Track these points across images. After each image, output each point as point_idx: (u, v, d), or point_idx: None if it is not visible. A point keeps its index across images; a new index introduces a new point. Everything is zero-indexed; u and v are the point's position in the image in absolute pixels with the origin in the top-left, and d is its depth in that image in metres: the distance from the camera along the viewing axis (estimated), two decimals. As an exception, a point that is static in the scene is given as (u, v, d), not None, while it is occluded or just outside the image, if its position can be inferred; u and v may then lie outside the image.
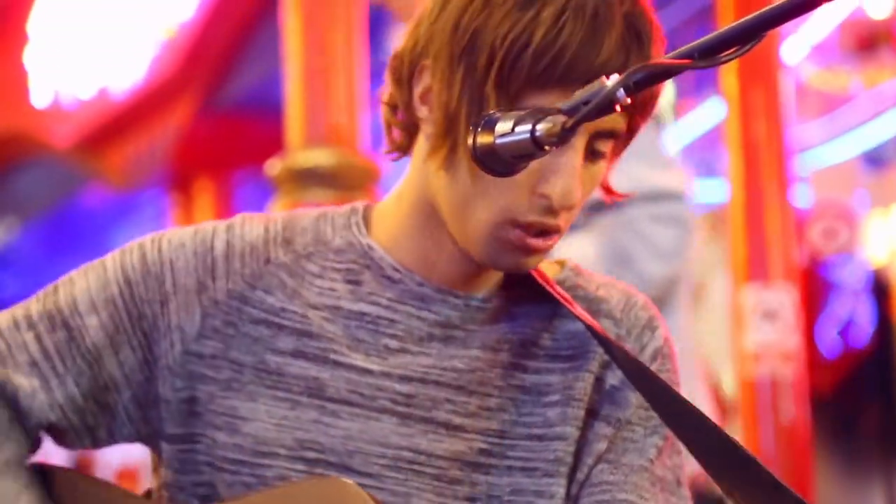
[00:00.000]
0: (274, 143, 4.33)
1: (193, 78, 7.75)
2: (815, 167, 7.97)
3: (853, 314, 8.04)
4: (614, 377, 1.49)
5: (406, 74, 1.44)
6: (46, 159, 9.49)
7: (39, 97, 9.34)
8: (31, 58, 9.45)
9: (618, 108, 1.20)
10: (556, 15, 1.34)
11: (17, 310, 1.50)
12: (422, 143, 1.45)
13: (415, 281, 1.45)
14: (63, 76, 9.08)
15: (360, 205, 1.52)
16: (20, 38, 9.47)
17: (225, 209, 8.46)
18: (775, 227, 5.22)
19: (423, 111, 1.43)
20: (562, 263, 1.55)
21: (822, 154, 8.10)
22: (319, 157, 3.61)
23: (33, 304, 1.50)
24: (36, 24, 9.37)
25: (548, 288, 1.48)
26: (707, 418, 1.36)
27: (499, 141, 1.28)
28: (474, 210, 1.39)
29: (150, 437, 1.50)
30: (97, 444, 1.49)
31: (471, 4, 1.38)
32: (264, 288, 1.46)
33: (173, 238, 1.49)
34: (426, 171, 1.43)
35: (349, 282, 1.46)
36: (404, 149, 1.48)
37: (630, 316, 1.52)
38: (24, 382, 1.45)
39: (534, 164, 1.34)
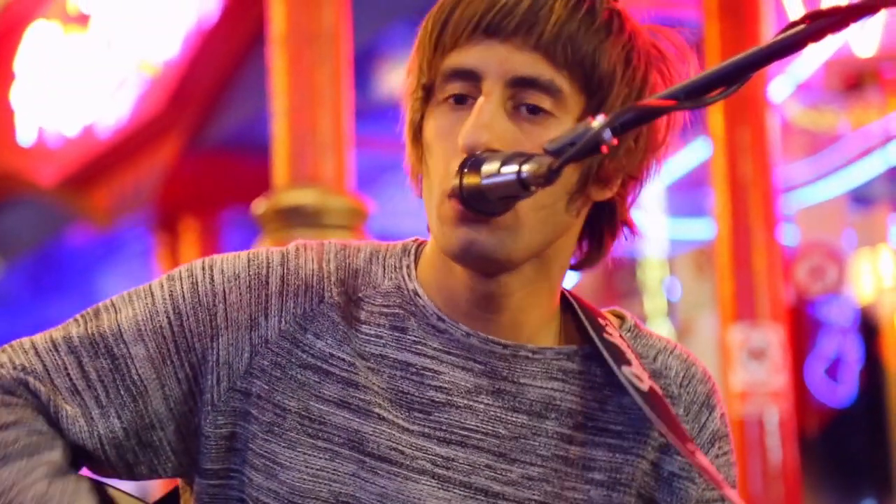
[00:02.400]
0: (260, 182, 4.33)
1: (179, 117, 7.75)
2: (801, 206, 7.99)
3: (841, 353, 8.05)
4: (672, 464, 1.45)
5: (416, 134, 1.43)
6: (31, 198, 9.48)
7: (25, 135, 9.34)
8: (17, 96, 9.45)
9: (604, 149, 1.19)
10: None
11: (55, 332, 1.43)
12: None
13: (461, 330, 1.40)
14: (48, 114, 9.08)
15: (412, 245, 1.47)
16: (6, 77, 9.48)
17: (211, 248, 8.44)
18: (762, 266, 5.22)
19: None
20: (622, 318, 1.50)
21: (808, 193, 8.13)
22: (305, 197, 3.60)
23: (73, 327, 1.43)
24: (22, 62, 9.38)
25: (615, 367, 1.41)
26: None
27: (485, 182, 1.27)
28: (430, 201, 1.38)
29: (188, 469, 1.45)
30: (134, 477, 1.44)
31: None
32: (315, 331, 1.41)
33: (226, 268, 1.43)
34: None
35: (395, 328, 1.42)
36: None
37: (689, 391, 1.47)
38: (65, 406, 1.40)
39: (456, 128, 1.34)
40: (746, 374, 5.16)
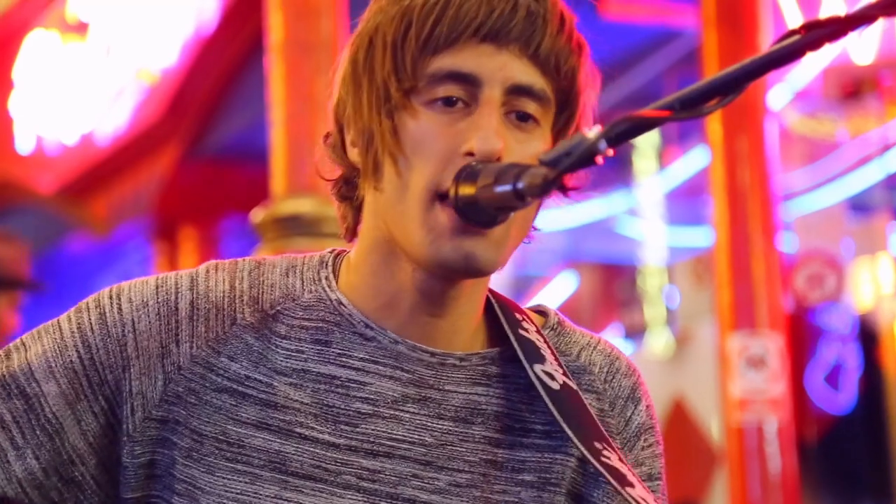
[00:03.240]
0: (258, 190, 4.33)
1: (177, 125, 7.75)
2: (800, 214, 7.99)
3: (840, 361, 8.04)
4: None
5: (338, 140, 1.42)
6: (30, 206, 9.47)
7: (24, 144, 9.34)
8: (16, 104, 9.46)
9: (599, 159, 1.19)
10: (429, 10, 1.35)
11: None
12: (361, 186, 1.42)
13: (389, 338, 1.39)
14: (47, 123, 9.09)
15: (329, 256, 1.46)
16: (5, 85, 9.48)
17: (209, 256, 8.41)
18: (761, 274, 5.22)
19: (354, 154, 1.41)
20: (545, 316, 1.50)
21: (807, 201, 8.13)
22: (303, 206, 3.60)
23: None
24: (20, 70, 9.38)
25: (529, 368, 1.41)
26: None
27: (481, 192, 1.27)
28: (406, 201, 1.34)
29: (115, 502, 1.43)
30: None
31: (364, 26, 1.40)
32: (229, 354, 1.39)
33: (134, 296, 1.41)
34: (370, 207, 1.40)
35: (317, 342, 1.40)
36: (355, 223, 1.44)
37: (613, 386, 1.47)
38: None
39: (450, 129, 1.33)
40: (745, 382, 5.16)
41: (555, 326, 1.49)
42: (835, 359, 8.02)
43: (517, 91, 1.34)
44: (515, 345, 1.42)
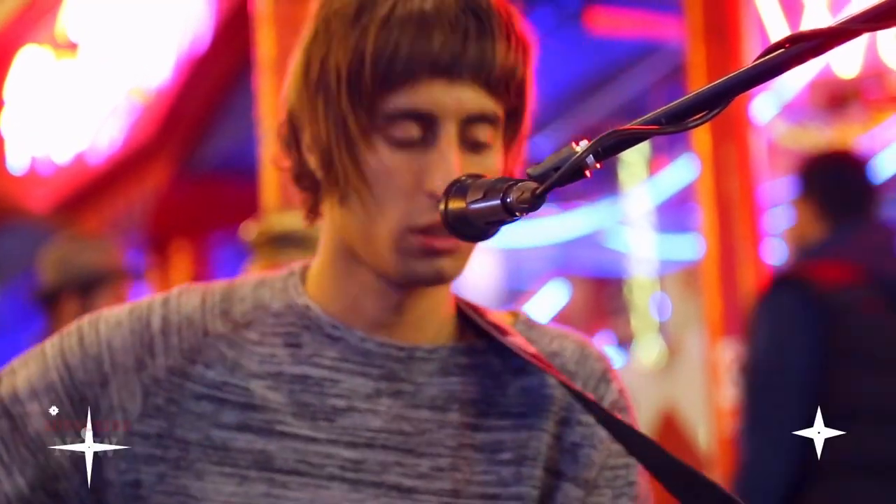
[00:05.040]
0: (250, 205, 4.34)
1: (169, 142, 7.76)
2: (787, 223, 8.00)
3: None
4: (573, 434, 1.48)
5: (291, 136, 1.46)
6: (23, 224, 9.46)
7: (16, 162, 9.33)
8: (8, 123, 9.44)
9: (587, 173, 1.21)
10: (384, 16, 1.38)
11: None
12: (322, 195, 1.46)
13: (356, 336, 1.44)
14: (40, 141, 9.08)
15: (297, 266, 1.51)
16: (-4, 104, 9.48)
17: (202, 272, 8.45)
18: (749, 283, 5.24)
19: (311, 160, 1.45)
20: (515, 315, 1.55)
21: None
22: (295, 221, 3.61)
23: None
24: (12, 89, 9.37)
25: (502, 340, 1.47)
26: (676, 456, 1.37)
27: (471, 206, 1.29)
28: (375, 229, 1.40)
29: None
30: None
31: (314, 39, 1.43)
32: (204, 362, 1.44)
33: (110, 318, 1.47)
34: (332, 215, 1.45)
35: (289, 345, 1.45)
36: (317, 210, 1.48)
37: (585, 368, 1.51)
38: None
39: (412, 166, 1.37)
40: (735, 391, 5.18)
41: (525, 321, 1.55)
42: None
43: (472, 120, 1.40)
44: (493, 332, 1.47)
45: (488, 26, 1.39)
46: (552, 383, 1.48)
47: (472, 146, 1.41)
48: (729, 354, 5.20)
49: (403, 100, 1.37)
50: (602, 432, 1.47)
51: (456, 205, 1.30)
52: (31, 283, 4.25)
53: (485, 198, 1.28)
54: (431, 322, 1.48)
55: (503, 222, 1.29)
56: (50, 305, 4.11)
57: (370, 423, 1.43)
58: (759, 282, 5.27)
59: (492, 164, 1.42)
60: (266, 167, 3.75)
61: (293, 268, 1.51)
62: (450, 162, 1.37)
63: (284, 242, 3.63)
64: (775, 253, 6.05)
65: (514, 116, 1.45)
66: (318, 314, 1.46)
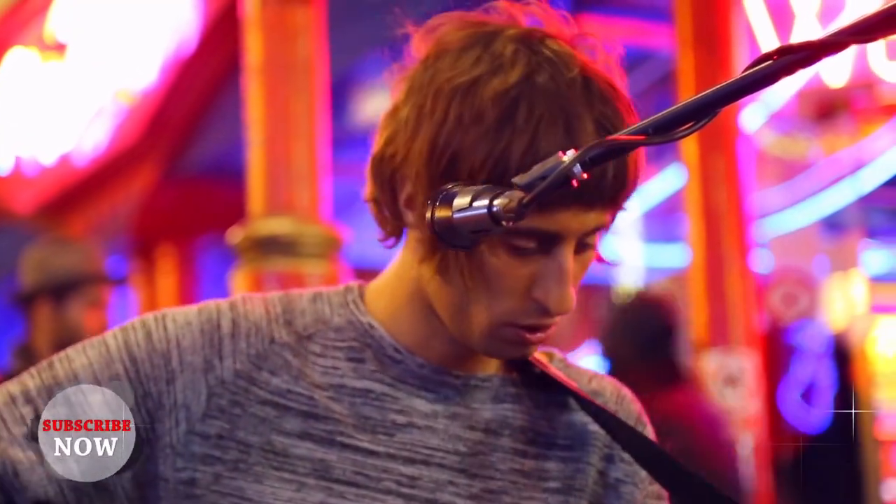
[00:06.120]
0: (236, 209, 4.34)
1: (155, 145, 7.75)
2: (774, 233, 8.02)
3: (815, 378, 8.07)
4: (617, 471, 1.51)
5: (388, 178, 1.43)
6: (8, 226, 9.44)
7: (1, 163, 9.32)
8: (-6, 124, 9.43)
9: (574, 183, 1.21)
10: (531, 134, 1.34)
11: (12, 385, 1.46)
12: (412, 241, 1.45)
13: (415, 363, 1.46)
14: (25, 143, 9.06)
15: (354, 284, 1.52)
16: (-18, 105, 9.46)
17: (187, 276, 8.44)
18: (736, 292, 5.24)
19: (409, 216, 1.42)
20: (550, 356, 1.56)
21: (781, 220, 8.16)
22: (281, 226, 3.62)
23: (29, 380, 1.46)
24: (-2, 90, 9.37)
25: (553, 374, 1.50)
26: (709, 482, 1.39)
27: (456, 215, 1.28)
28: (472, 314, 1.40)
29: None
30: None
31: (444, 125, 1.37)
32: (270, 369, 1.46)
33: (178, 317, 1.48)
34: (421, 270, 1.44)
35: (351, 360, 1.47)
36: (396, 237, 1.47)
37: (624, 408, 1.54)
38: (21, 456, 1.42)
39: (526, 271, 1.37)
40: (721, 401, 5.18)
41: (561, 361, 1.57)
42: (809, 377, 8.05)
43: (588, 233, 1.40)
44: (540, 368, 1.51)
45: (626, 158, 1.38)
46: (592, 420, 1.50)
47: (582, 248, 1.41)
48: (714, 363, 5.20)
49: (536, 221, 1.34)
50: (642, 472, 1.50)
51: (442, 213, 1.29)
52: (14, 284, 4.23)
53: (471, 207, 1.27)
54: (490, 359, 1.50)
55: (489, 231, 1.28)
56: (26, 308, 4.09)
57: (428, 441, 1.45)
58: (746, 291, 5.27)
59: (590, 257, 1.43)
60: (253, 171, 3.75)
61: (350, 285, 1.52)
62: (565, 278, 1.39)
63: (270, 247, 3.63)
64: (761, 262, 6.06)
65: (614, 217, 1.45)
66: (381, 334, 1.47)
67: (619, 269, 10.22)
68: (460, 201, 1.28)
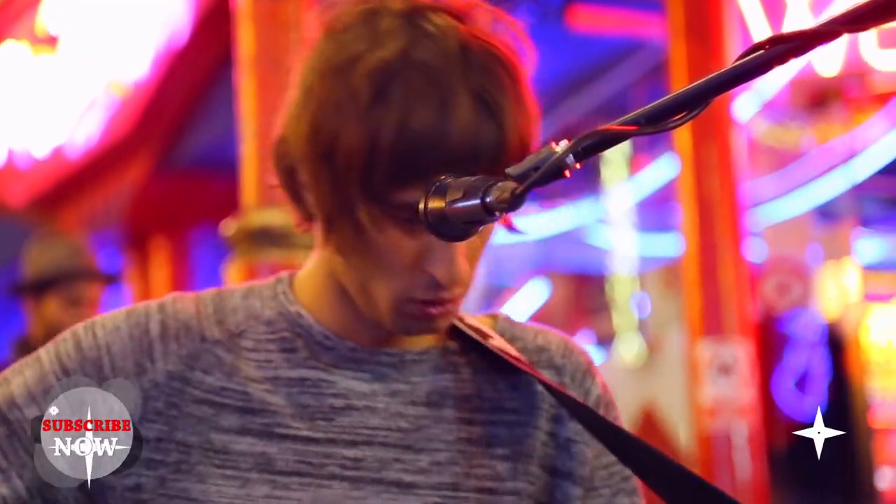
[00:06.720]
0: (229, 201, 4.34)
1: (148, 137, 7.74)
2: (767, 222, 8.04)
3: (808, 367, 8.09)
4: (567, 430, 1.50)
5: (287, 163, 1.42)
6: (1, 218, 9.44)
7: (-6, 156, 9.32)
8: (-14, 117, 9.42)
9: (567, 173, 1.21)
10: (404, 111, 1.32)
11: None
12: (317, 225, 1.44)
13: (346, 347, 1.45)
14: (18, 136, 9.05)
15: (284, 274, 1.50)
16: (-26, 98, 9.45)
17: (181, 267, 8.44)
18: (729, 281, 5.25)
19: (309, 199, 1.42)
20: (494, 317, 1.55)
21: (774, 209, 8.17)
22: (274, 218, 3.61)
23: None
24: (-11, 83, 9.35)
25: (483, 343, 1.48)
26: (662, 453, 1.38)
27: (450, 206, 1.28)
28: (374, 292, 1.40)
29: None
30: None
31: (323, 106, 1.36)
32: (203, 368, 1.44)
33: (107, 323, 1.46)
34: (327, 251, 1.43)
35: (284, 350, 1.45)
36: (308, 221, 1.45)
37: (571, 361, 1.53)
38: None
39: (416, 245, 1.36)
40: (715, 390, 5.19)
41: (505, 321, 1.55)
42: (803, 365, 8.07)
43: None
44: (468, 332, 1.48)
45: (504, 118, 1.35)
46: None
47: None
48: (708, 352, 5.21)
49: (417, 195, 1.31)
50: None
51: (435, 204, 1.29)
52: (7, 277, 4.23)
53: (464, 197, 1.26)
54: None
55: (482, 222, 1.28)
56: (23, 301, 4.11)
57: (368, 421, 1.44)
58: (739, 280, 5.28)
59: (490, 229, 1.41)
60: (246, 163, 3.75)
61: (281, 275, 1.51)
62: (453, 246, 1.37)
63: (264, 239, 3.63)
64: (755, 251, 6.07)
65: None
66: (310, 322, 1.46)
67: (613, 258, 10.24)
68: (454, 192, 1.28)
